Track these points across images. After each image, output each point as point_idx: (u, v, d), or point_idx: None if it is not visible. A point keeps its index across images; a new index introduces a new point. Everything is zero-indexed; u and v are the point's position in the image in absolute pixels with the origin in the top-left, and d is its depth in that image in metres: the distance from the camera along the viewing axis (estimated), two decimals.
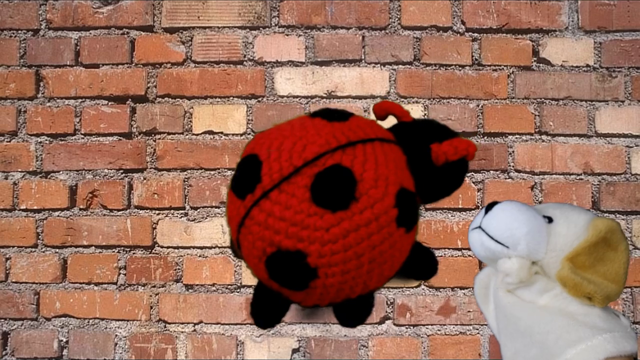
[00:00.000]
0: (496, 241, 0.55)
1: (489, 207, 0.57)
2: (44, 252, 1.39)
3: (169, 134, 1.40)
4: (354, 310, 0.58)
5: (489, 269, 0.62)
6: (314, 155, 0.51)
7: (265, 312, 0.58)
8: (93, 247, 1.39)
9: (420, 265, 0.62)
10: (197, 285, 1.37)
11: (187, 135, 1.40)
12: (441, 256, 1.35)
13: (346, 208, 0.49)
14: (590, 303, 0.53)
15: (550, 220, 0.56)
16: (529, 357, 0.53)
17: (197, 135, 1.39)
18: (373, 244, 0.51)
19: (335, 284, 0.52)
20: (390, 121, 0.62)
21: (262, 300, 0.57)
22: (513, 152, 1.38)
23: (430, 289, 1.36)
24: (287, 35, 1.40)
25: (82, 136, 1.41)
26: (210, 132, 1.39)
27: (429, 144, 0.57)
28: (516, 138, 1.38)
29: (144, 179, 1.39)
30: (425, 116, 1.38)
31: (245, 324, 1.36)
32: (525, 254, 0.54)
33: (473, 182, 1.37)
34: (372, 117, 0.61)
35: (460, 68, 1.39)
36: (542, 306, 0.54)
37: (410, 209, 0.54)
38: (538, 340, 0.52)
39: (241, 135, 1.39)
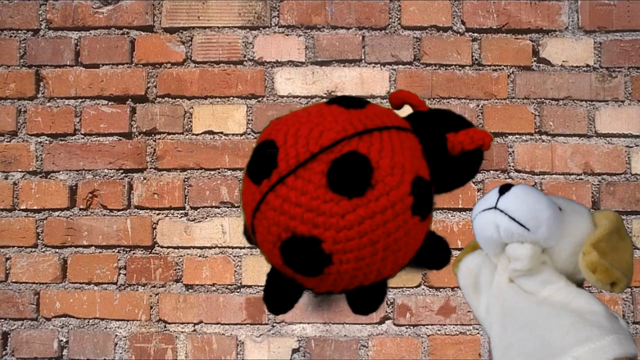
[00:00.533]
0: (518, 223, 0.52)
1: (504, 189, 0.54)
2: (44, 252, 1.39)
3: (169, 134, 1.40)
4: (366, 298, 0.58)
5: (478, 257, 0.60)
6: (331, 142, 0.51)
7: (279, 298, 0.58)
8: (93, 247, 1.39)
9: (433, 254, 0.62)
10: (197, 285, 1.37)
11: (187, 135, 1.40)
12: None
13: (362, 195, 0.49)
14: (609, 289, 0.52)
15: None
16: (525, 351, 0.52)
17: (197, 135, 1.39)
18: (388, 231, 0.51)
19: (349, 270, 0.52)
20: (405, 110, 0.62)
21: (276, 286, 0.58)
22: (513, 152, 1.38)
23: (430, 289, 1.36)
24: (287, 35, 1.40)
25: (82, 136, 1.41)
26: (210, 132, 1.39)
27: (445, 133, 0.57)
28: (516, 138, 1.38)
29: (144, 179, 1.39)
30: None
31: (245, 324, 1.36)
32: (545, 238, 0.53)
33: (473, 182, 1.37)
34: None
35: (460, 68, 1.39)
36: (544, 299, 0.53)
37: (425, 198, 0.54)
38: (539, 335, 0.52)
39: (241, 135, 1.39)
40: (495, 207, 0.54)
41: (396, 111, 0.61)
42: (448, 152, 0.57)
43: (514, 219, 0.53)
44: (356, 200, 0.49)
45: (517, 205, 0.53)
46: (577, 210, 0.56)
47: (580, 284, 0.56)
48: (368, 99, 0.63)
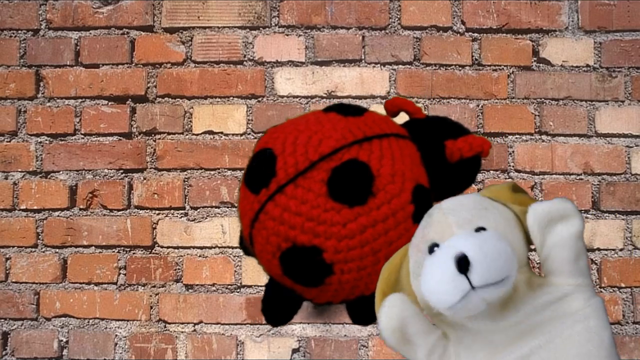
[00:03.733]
0: (498, 282, 0.48)
1: (464, 265, 0.48)
2: (44, 252, 1.39)
3: (169, 134, 1.40)
4: (367, 308, 0.57)
5: (397, 311, 0.50)
6: (331, 150, 0.50)
7: (277, 309, 0.57)
8: (93, 247, 1.39)
9: None
10: (197, 285, 1.37)
11: (187, 135, 1.40)
12: None
13: (363, 203, 0.49)
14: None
15: (483, 229, 0.50)
16: None
17: (197, 135, 1.39)
18: (390, 240, 0.50)
19: (350, 280, 0.51)
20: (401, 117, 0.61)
21: (274, 297, 0.57)
22: (513, 152, 1.38)
23: None
24: (287, 35, 1.40)
25: (82, 136, 1.41)
26: (210, 132, 1.39)
27: (443, 140, 0.57)
28: (516, 138, 1.38)
29: (144, 179, 1.39)
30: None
31: (245, 324, 1.36)
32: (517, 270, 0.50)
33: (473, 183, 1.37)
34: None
35: (460, 68, 1.39)
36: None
37: (426, 206, 0.53)
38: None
39: (241, 135, 1.39)
40: (473, 288, 0.48)
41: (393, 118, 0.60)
42: (446, 159, 0.56)
43: (494, 284, 0.48)
44: (357, 209, 0.49)
45: (491, 270, 0.48)
46: (490, 211, 0.51)
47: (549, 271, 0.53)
48: (367, 101, 0.62)
